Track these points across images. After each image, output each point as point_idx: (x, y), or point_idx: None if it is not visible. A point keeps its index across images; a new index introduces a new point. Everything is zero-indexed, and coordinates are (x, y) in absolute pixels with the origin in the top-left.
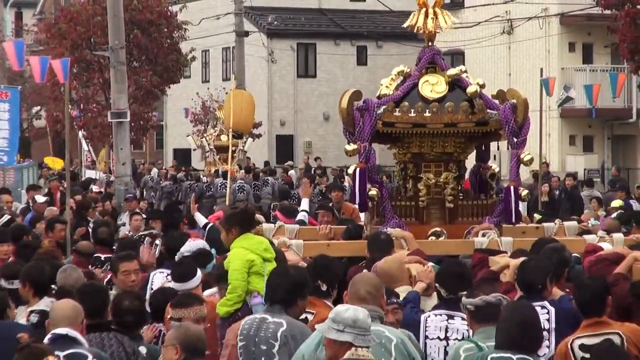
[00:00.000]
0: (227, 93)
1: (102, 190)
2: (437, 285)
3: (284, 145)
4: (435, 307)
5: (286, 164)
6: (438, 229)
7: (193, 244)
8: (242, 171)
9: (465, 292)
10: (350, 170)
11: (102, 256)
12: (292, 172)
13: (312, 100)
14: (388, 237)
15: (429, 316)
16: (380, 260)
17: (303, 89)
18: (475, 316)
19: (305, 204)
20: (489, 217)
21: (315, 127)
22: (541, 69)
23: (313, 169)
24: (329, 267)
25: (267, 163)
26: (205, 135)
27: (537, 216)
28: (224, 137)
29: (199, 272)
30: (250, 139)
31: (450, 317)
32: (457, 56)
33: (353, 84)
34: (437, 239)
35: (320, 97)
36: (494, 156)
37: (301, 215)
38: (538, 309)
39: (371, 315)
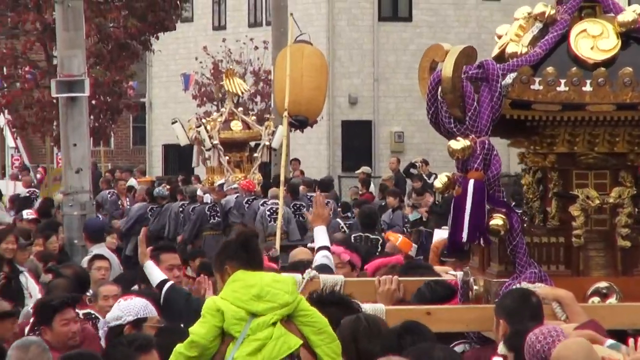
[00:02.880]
0: (265, 47)
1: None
2: None
3: (357, 139)
4: None
5: (359, 171)
6: (604, 284)
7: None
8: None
9: None
10: (439, 182)
11: None
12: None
13: (405, 60)
14: (539, 301)
15: None
16: (554, 344)
17: (389, 42)
18: None
19: (322, 235)
20: None
21: (411, 107)
22: None
23: (419, 175)
24: None
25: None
26: (204, 121)
27: None
28: (236, 125)
29: None
30: (279, 128)
31: None
32: None
33: (475, 34)
34: (604, 301)
35: (419, 55)
36: None
37: (322, 258)
38: None
39: None
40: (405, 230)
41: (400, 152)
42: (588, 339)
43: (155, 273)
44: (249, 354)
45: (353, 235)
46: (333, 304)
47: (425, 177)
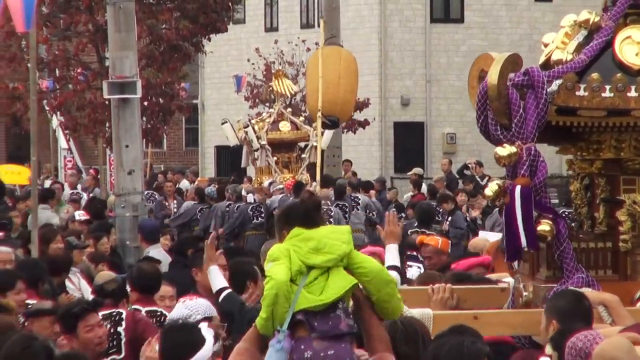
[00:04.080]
0: (308, 49)
1: (90, 217)
2: None
3: (409, 141)
4: None
5: (411, 172)
6: None
7: None
8: (314, 184)
9: None
10: (489, 190)
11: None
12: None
13: (457, 62)
14: (590, 304)
15: None
16: (595, 342)
17: (441, 43)
18: None
19: (393, 254)
20: None
21: (462, 109)
22: None
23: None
24: None
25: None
26: (253, 122)
27: None
28: (284, 126)
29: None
30: (329, 129)
31: None
32: None
33: (526, 35)
34: None
35: (471, 57)
36: None
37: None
38: None
39: None
40: (468, 231)
41: (453, 153)
42: (632, 340)
43: (217, 279)
44: (314, 296)
45: (410, 231)
46: None
47: (478, 179)
